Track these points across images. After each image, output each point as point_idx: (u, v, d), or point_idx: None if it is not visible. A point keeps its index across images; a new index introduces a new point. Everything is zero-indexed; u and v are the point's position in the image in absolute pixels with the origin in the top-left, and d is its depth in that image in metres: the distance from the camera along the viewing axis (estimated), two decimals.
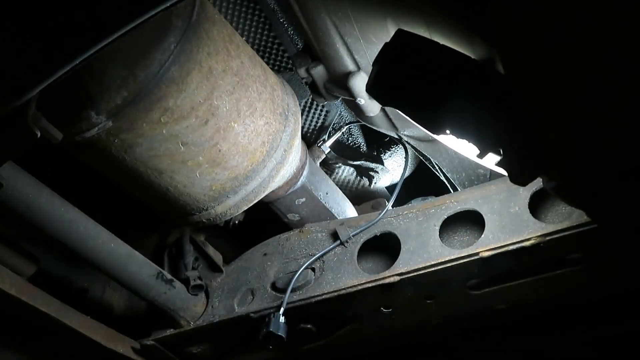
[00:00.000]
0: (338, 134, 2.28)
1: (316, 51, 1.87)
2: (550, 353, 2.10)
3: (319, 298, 1.82)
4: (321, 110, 2.30)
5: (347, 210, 2.22)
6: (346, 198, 2.26)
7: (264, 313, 1.84)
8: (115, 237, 1.72)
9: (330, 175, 2.39)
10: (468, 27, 1.25)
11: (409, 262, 1.74)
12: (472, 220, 1.78)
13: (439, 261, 1.69)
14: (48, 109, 1.26)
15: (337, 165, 2.42)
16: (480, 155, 1.19)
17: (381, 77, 1.18)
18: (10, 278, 1.58)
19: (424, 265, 1.71)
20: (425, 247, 1.75)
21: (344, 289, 1.79)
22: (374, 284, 1.75)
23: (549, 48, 0.91)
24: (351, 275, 1.82)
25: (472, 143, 1.18)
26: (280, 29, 2.09)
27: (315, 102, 2.26)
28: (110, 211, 1.89)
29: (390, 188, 2.51)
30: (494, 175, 1.96)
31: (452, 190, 2.15)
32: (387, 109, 1.99)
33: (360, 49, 1.76)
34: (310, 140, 2.33)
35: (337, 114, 2.31)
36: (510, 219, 1.67)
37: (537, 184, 1.51)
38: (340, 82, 1.91)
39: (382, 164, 2.41)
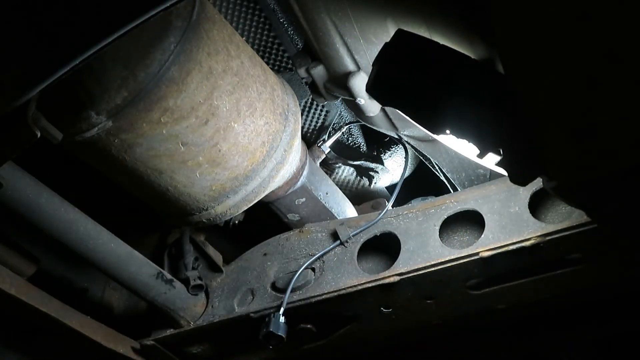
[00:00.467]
0: (338, 134, 2.28)
1: (316, 51, 1.87)
2: (550, 353, 2.11)
3: (319, 298, 1.82)
4: (321, 110, 2.30)
5: (347, 210, 2.22)
6: (346, 198, 2.26)
7: (264, 313, 1.84)
8: (115, 237, 1.72)
9: (330, 175, 2.39)
10: (468, 27, 1.25)
11: (409, 262, 1.74)
12: (472, 220, 1.78)
13: (439, 261, 1.69)
14: (48, 109, 1.26)
15: (337, 165, 2.42)
16: (480, 155, 1.19)
17: (381, 77, 1.18)
18: (10, 278, 1.58)
19: (424, 265, 1.71)
20: (425, 247, 1.75)
21: (344, 289, 1.79)
22: (374, 284, 1.75)
23: (549, 48, 0.91)
24: (351, 275, 1.82)
25: (472, 143, 1.18)
26: (280, 29, 2.09)
27: (315, 102, 2.26)
28: (110, 211, 1.89)
29: (390, 188, 2.51)
30: (494, 175, 1.96)
31: (452, 190, 2.15)
32: (387, 109, 1.99)
33: (360, 49, 1.76)
34: (310, 140, 2.33)
35: (337, 114, 2.31)
36: (510, 219, 1.67)
37: (537, 184, 1.51)
38: (340, 82, 1.91)
39: (382, 164, 2.41)
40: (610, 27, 0.86)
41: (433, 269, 1.69)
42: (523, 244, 1.60)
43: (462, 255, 1.66)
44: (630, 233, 1.40)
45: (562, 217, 1.64)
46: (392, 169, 2.44)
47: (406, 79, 1.16)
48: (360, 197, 2.44)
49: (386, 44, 1.19)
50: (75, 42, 1.03)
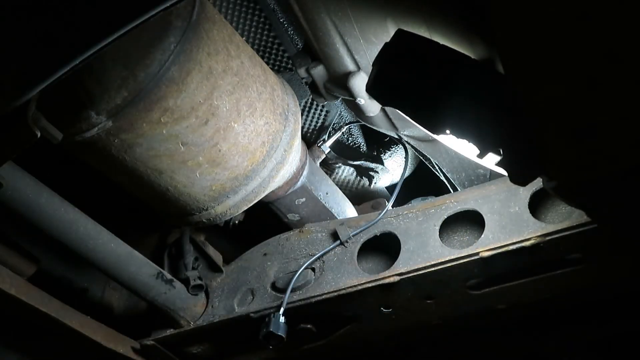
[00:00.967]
0: (338, 134, 2.28)
1: (316, 51, 1.87)
2: (550, 353, 2.10)
3: (319, 298, 1.82)
4: (321, 110, 2.30)
5: (347, 210, 2.22)
6: (346, 198, 2.26)
7: (264, 313, 1.84)
8: (115, 237, 1.72)
9: (330, 175, 2.39)
10: (468, 27, 1.25)
11: (409, 262, 1.74)
12: (472, 220, 1.78)
13: (439, 261, 1.69)
14: (48, 109, 1.26)
15: (337, 165, 2.42)
16: (480, 155, 1.19)
17: (381, 77, 1.18)
18: (10, 278, 1.58)
19: (424, 265, 1.71)
20: (425, 247, 1.75)
21: (344, 289, 1.79)
22: (374, 284, 1.76)
23: (549, 48, 0.91)
24: (351, 275, 1.82)
25: (472, 143, 1.18)
26: (280, 29, 2.09)
27: (315, 102, 2.26)
28: (110, 211, 1.89)
29: (390, 188, 2.51)
30: (494, 175, 1.96)
31: (452, 190, 2.15)
32: (387, 109, 1.99)
33: (360, 49, 1.76)
34: (310, 140, 2.33)
35: (337, 114, 2.31)
36: (510, 219, 1.67)
37: (537, 184, 1.51)
38: (340, 82, 1.91)
39: (382, 164, 2.41)
40: (610, 27, 0.86)
41: (433, 269, 1.69)
42: (523, 244, 1.60)
43: (462, 255, 1.66)
44: (630, 233, 1.40)
45: (562, 217, 1.64)
46: (392, 169, 2.44)
47: (406, 79, 1.16)
48: (360, 197, 2.44)
49: (386, 44, 1.19)
50: (75, 42, 1.03)
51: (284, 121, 1.82)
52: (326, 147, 2.23)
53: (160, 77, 1.50)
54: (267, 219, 2.12)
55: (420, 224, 1.82)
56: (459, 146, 1.89)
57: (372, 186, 2.49)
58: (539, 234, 1.59)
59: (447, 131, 1.17)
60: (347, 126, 2.31)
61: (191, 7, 1.57)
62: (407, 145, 2.17)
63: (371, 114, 2.01)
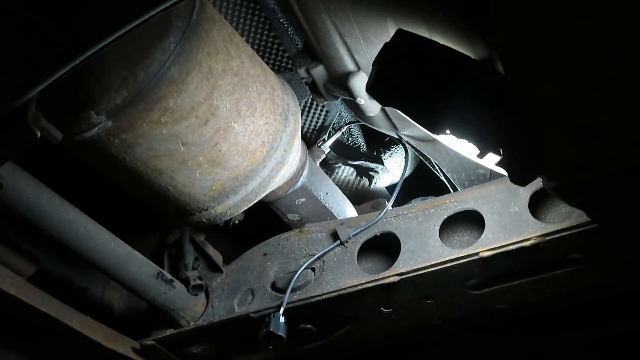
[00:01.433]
0: (338, 134, 2.28)
1: (316, 51, 1.87)
2: (550, 353, 2.10)
3: (319, 298, 1.82)
4: (321, 110, 2.30)
5: (347, 210, 2.22)
6: (346, 198, 2.26)
7: (264, 313, 1.84)
8: (115, 237, 1.72)
9: (330, 175, 2.39)
10: (468, 27, 1.25)
11: (409, 262, 1.74)
12: (472, 220, 1.78)
13: (439, 261, 1.69)
14: (48, 109, 1.26)
15: (337, 165, 2.42)
16: (480, 155, 1.19)
17: (381, 77, 1.18)
18: (10, 278, 1.58)
19: (424, 265, 1.71)
20: (425, 247, 1.75)
21: (344, 289, 1.79)
22: (374, 284, 1.76)
23: (549, 48, 0.91)
24: (351, 275, 1.82)
25: (472, 143, 1.18)
26: (280, 29, 2.09)
27: (315, 102, 2.26)
28: (110, 211, 1.89)
29: (390, 188, 2.51)
30: (494, 175, 1.96)
31: (452, 190, 2.15)
32: (387, 109, 1.99)
33: (360, 49, 1.76)
34: (310, 140, 2.33)
35: (337, 114, 2.31)
36: (510, 219, 1.67)
37: (537, 184, 1.51)
38: (340, 82, 1.91)
39: (382, 164, 2.41)
40: (611, 27, 0.86)
41: (433, 269, 1.69)
42: (523, 244, 1.60)
43: (462, 255, 1.66)
44: (630, 233, 1.40)
45: (562, 217, 1.64)
46: (392, 169, 2.44)
47: (406, 79, 1.16)
48: (360, 197, 2.44)
49: (386, 44, 1.19)
50: (75, 42, 1.03)
51: (284, 121, 1.82)
52: (326, 147, 2.23)
53: (160, 77, 1.50)
54: (267, 219, 2.12)
55: (420, 224, 1.82)
56: (459, 146, 1.89)
57: (372, 186, 2.49)
58: (539, 234, 1.59)
59: (447, 131, 1.17)
60: (347, 126, 2.31)
61: (191, 7, 1.57)
62: (407, 145, 2.17)
63: (371, 114, 2.01)
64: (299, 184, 2.03)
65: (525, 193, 1.70)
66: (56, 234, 1.58)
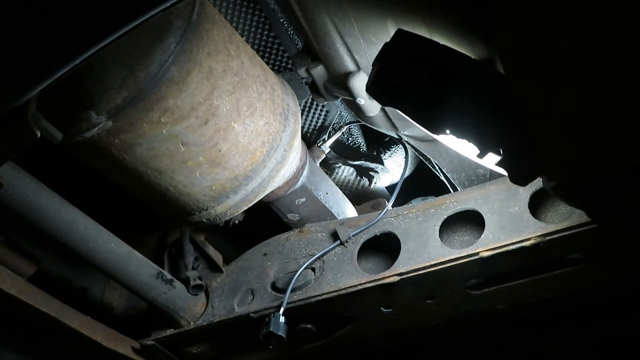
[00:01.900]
0: (338, 134, 2.28)
1: (316, 51, 1.87)
2: (550, 353, 2.10)
3: (319, 298, 1.82)
4: (321, 110, 2.30)
5: (347, 210, 2.22)
6: (346, 198, 2.26)
7: (264, 313, 1.84)
8: (115, 237, 1.72)
9: (330, 175, 2.39)
10: (468, 27, 1.25)
11: (409, 262, 1.74)
12: (472, 220, 1.78)
13: (439, 261, 1.69)
14: (48, 109, 1.26)
15: (337, 165, 2.42)
16: (480, 155, 1.19)
17: (381, 77, 1.18)
18: (10, 278, 1.58)
19: (424, 265, 1.71)
20: (425, 247, 1.75)
21: (344, 289, 1.79)
22: (374, 284, 1.76)
23: (549, 48, 0.91)
24: (351, 275, 1.82)
25: (472, 143, 1.18)
26: (280, 29, 2.09)
27: (315, 102, 2.26)
28: (110, 211, 1.89)
29: (390, 188, 2.51)
30: (494, 175, 1.96)
31: (452, 190, 2.15)
32: (387, 109, 1.99)
33: (360, 49, 1.76)
34: (310, 140, 2.33)
35: (337, 114, 2.31)
36: (510, 219, 1.67)
37: (537, 184, 1.51)
38: (340, 82, 1.91)
39: (382, 164, 2.41)
40: (611, 27, 0.86)
41: (433, 269, 1.69)
42: (523, 244, 1.60)
43: (462, 255, 1.66)
44: (630, 233, 1.40)
45: (562, 217, 1.64)
46: (392, 169, 2.44)
47: (406, 79, 1.16)
48: (360, 197, 2.44)
49: (386, 44, 1.19)
50: (76, 42, 1.03)
51: (284, 121, 1.83)
52: (326, 147, 2.23)
53: (160, 77, 1.50)
54: (267, 219, 2.12)
55: (420, 224, 1.82)
56: (459, 146, 1.89)
57: (372, 186, 2.49)
58: (539, 234, 1.59)
59: (447, 131, 1.17)
60: (347, 126, 2.31)
61: (191, 7, 1.57)
62: (407, 145, 2.17)
63: (371, 114, 2.00)
64: (299, 184, 2.03)
65: (525, 193, 1.70)
66: (56, 234, 1.58)
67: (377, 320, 1.85)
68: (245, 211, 1.90)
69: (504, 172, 1.19)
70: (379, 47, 1.18)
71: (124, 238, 1.75)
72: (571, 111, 0.98)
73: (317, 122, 2.32)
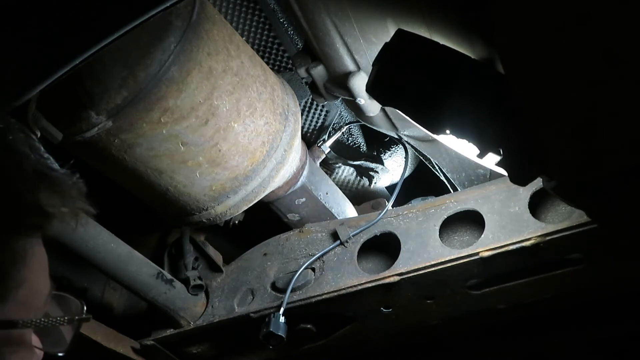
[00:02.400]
0: (338, 134, 2.28)
1: (316, 51, 1.87)
2: (550, 353, 2.10)
3: (319, 298, 1.82)
4: (321, 110, 2.30)
5: (347, 210, 2.22)
6: (346, 198, 2.26)
7: (264, 313, 1.84)
8: (115, 237, 1.72)
9: (330, 175, 2.39)
10: (468, 27, 1.25)
11: (409, 262, 1.74)
12: (472, 220, 1.78)
13: (439, 261, 1.69)
14: (48, 109, 1.26)
15: (337, 165, 2.42)
16: (480, 155, 1.19)
17: (381, 77, 1.18)
18: None
19: (424, 265, 1.71)
20: (425, 247, 1.75)
21: (344, 289, 1.79)
22: (374, 284, 1.75)
23: (549, 48, 0.91)
24: (351, 275, 1.82)
25: (472, 143, 1.18)
26: (280, 29, 2.09)
27: (315, 102, 2.25)
28: (110, 211, 1.89)
29: (390, 188, 2.51)
30: (494, 175, 1.96)
31: (452, 190, 2.14)
32: (387, 109, 1.99)
33: (360, 49, 1.76)
34: (310, 140, 2.33)
35: (337, 114, 2.31)
36: (510, 219, 1.67)
37: (537, 184, 1.50)
38: (340, 82, 1.91)
39: (382, 164, 2.41)
40: (611, 26, 0.86)
41: (433, 269, 1.69)
42: (523, 244, 1.60)
43: (462, 255, 1.66)
44: (630, 233, 1.40)
45: (562, 217, 1.64)
46: (392, 169, 2.44)
47: (406, 79, 1.16)
48: (360, 197, 2.44)
49: (386, 44, 1.19)
50: (75, 42, 1.03)
51: (284, 121, 1.82)
52: (326, 147, 2.23)
53: (160, 77, 1.50)
54: (267, 219, 2.12)
55: (420, 224, 1.82)
56: (459, 146, 1.88)
57: (372, 186, 2.48)
58: (539, 234, 1.59)
59: (447, 131, 1.17)
60: (347, 126, 2.31)
61: (191, 7, 1.57)
62: (407, 145, 2.16)
63: (371, 114, 2.00)
64: (299, 184, 2.03)
65: (525, 193, 1.70)
66: (55, 233, 1.57)
67: (377, 320, 1.85)
68: (245, 211, 1.90)
69: (504, 172, 1.19)
70: (379, 47, 1.18)
71: (124, 238, 1.75)
72: (571, 111, 0.98)
73: (317, 122, 2.32)
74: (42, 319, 0.83)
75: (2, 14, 1.00)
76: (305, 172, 2.04)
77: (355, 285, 1.78)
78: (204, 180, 1.72)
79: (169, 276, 1.88)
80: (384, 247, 1.87)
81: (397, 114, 2.00)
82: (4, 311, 0.77)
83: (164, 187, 1.71)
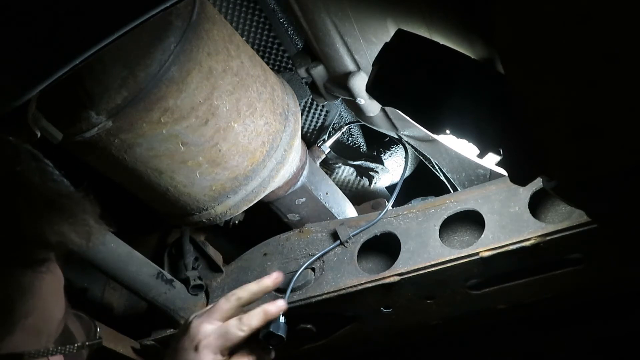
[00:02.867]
0: (338, 134, 2.28)
1: (316, 51, 1.87)
2: (550, 353, 2.11)
3: (319, 298, 1.82)
4: (321, 110, 2.30)
5: (347, 210, 2.22)
6: (346, 198, 2.26)
7: None
8: (115, 237, 1.72)
9: (330, 175, 2.39)
10: (468, 27, 1.25)
11: (409, 262, 1.74)
12: (472, 220, 1.78)
13: (439, 261, 1.69)
14: (48, 109, 1.26)
15: (337, 165, 2.42)
16: (480, 155, 1.19)
17: (381, 77, 1.18)
18: None
19: (424, 265, 1.71)
20: (425, 247, 1.75)
21: (344, 289, 1.79)
22: (374, 284, 1.75)
23: (549, 48, 0.91)
24: (351, 275, 1.82)
25: (472, 143, 1.18)
26: (280, 29, 2.09)
27: (315, 102, 2.25)
28: (110, 211, 1.89)
29: (390, 188, 2.51)
30: (494, 175, 1.96)
31: (452, 190, 2.15)
32: (387, 109, 1.99)
33: (360, 49, 1.76)
34: (310, 140, 2.33)
35: (337, 114, 2.31)
36: (510, 219, 1.67)
37: (537, 184, 1.50)
38: (340, 82, 1.91)
39: (382, 164, 2.41)
40: (611, 27, 0.86)
41: (433, 269, 1.69)
42: (523, 244, 1.60)
43: (462, 255, 1.66)
44: (630, 233, 1.40)
45: (562, 217, 1.64)
46: (392, 169, 2.44)
47: (406, 79, 1.15)
48: (360, 197, 2.44)
49: (386, 44, 1.19)
50: (76, 42, 1.03)
51: (284, 121, 1.83)
52: (326, 147, 2.23)
53: (160, 77, 1.50)
54: (267, 219, 2.12)
55: (420, 224, 1.82)
56: (459, 146, 1.88)
57: (372, 186, 2.49)
58: (539, 234, 1.59)
59: (447, 131, 1.17)
60: (347, 126, 2.31)
61: (191, 7, 1.57)
62: (407, 145, 2.16)
63: (371, 114, 2.00)
64: (299, 184, 2.03)
65: (525, 193, 1.70)
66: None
67: (377, 320, 1.85)
68: (245, 211, 1.90)
69: (504, 172, 1.19)
70: (379, 47, 1.18)
71: (124, 238, 1.75)
72: (571, 111, 0.98)
73: (317, 122, 2.32)
74: (51, 348, 0.82)
75: (2, 13, 1.00)
76: (305, 172, 2.04)
77: (355, 285, 1.78)
78: (204, 180, 1.72)
79: (169, 276, 1.88)
80: (384, 247, 1.87)
81: (397, 114, 2.00)
82: (12, 343, 0.76)
83: (164, 187, 1.72)
